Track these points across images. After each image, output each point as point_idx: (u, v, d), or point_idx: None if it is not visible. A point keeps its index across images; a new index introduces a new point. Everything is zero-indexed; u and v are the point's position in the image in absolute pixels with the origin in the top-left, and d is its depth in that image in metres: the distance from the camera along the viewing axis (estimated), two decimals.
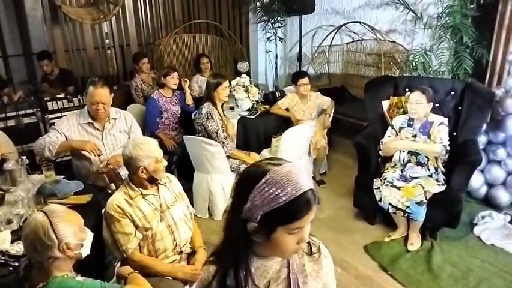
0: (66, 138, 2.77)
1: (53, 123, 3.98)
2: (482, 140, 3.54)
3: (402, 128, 3.14)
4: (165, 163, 2.11)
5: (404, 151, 3.12)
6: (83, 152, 2.72)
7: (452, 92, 3.43)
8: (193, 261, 2.12)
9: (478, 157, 3.03)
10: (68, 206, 2.10)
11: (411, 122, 3.12)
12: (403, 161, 3.13)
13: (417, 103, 3.01)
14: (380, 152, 3.24)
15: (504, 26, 3.69)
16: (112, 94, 2.85)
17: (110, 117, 2.89)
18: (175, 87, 4.15)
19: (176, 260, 2.14)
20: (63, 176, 2.66)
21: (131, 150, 2.00)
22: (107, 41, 5.86)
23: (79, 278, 1.54)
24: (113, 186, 2.79)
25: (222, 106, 3.60)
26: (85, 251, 1.59)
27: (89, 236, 1.64)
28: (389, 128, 3.21)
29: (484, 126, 3.49)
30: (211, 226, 3.45)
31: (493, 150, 3.50)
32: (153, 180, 2.07)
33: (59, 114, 4.11)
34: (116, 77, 6.02)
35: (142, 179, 2.03)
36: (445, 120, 3.09)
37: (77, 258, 1.58)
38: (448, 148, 2.99)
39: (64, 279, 1.49)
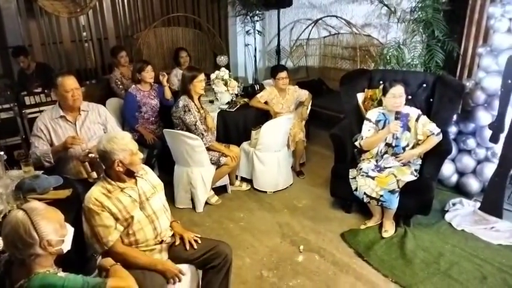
0: (50, 136, 2.81)
1: (30, 119, 4.02)
2: (453, 130, 3.67)
3: (379, 121, 3.21)
4: (141, 155, 2.12)
5: (382, 143, 3.21)
6: (70, 149, 2.75)
7: (424, 85, 3.53)
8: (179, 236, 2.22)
9: (449, 147, 3.15)
10: (47, 201, 2.12)
11: (387, 116, 3.20)
12: (381, 152, 3.23)
13: (401, 96, 3.09)
14: (356, 144, 3.32)
15: (474, 20, 3.80)
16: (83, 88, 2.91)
17: (81, 110, 2.91)
18: (152, 80, 4.14)
19: (156, 249, 2.16)
20: (42, 171, 2.65)
21: (105, 145, 2.00)
22: (84, 34, 5.77)
23: (61, 273, 1.55)
24: (94, 174, 2.79)
25: (199, 99, 3.63)
26: (66, 246, 1.60)
27: (69, 231, 1.64)
28: (366, 122, 3.27)
29: (455, 117, 3.61)
30: (193, 218, 3.51)
31: (463, 140, 3.64)
32: (130, 173, 2.08)
33: (36, 109, 4.09)
34: (95, 70, 5.95)
35: (118, 173, 2.04)
36: (419, 111, 3.20)
37: (59, 254, 1.59)
38: (440, 132, 3.11)
39: (46, 275, 1.50)
